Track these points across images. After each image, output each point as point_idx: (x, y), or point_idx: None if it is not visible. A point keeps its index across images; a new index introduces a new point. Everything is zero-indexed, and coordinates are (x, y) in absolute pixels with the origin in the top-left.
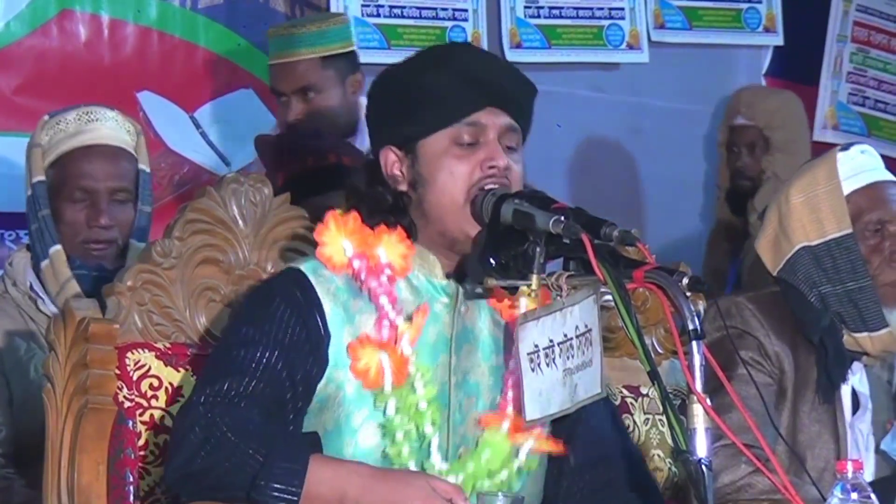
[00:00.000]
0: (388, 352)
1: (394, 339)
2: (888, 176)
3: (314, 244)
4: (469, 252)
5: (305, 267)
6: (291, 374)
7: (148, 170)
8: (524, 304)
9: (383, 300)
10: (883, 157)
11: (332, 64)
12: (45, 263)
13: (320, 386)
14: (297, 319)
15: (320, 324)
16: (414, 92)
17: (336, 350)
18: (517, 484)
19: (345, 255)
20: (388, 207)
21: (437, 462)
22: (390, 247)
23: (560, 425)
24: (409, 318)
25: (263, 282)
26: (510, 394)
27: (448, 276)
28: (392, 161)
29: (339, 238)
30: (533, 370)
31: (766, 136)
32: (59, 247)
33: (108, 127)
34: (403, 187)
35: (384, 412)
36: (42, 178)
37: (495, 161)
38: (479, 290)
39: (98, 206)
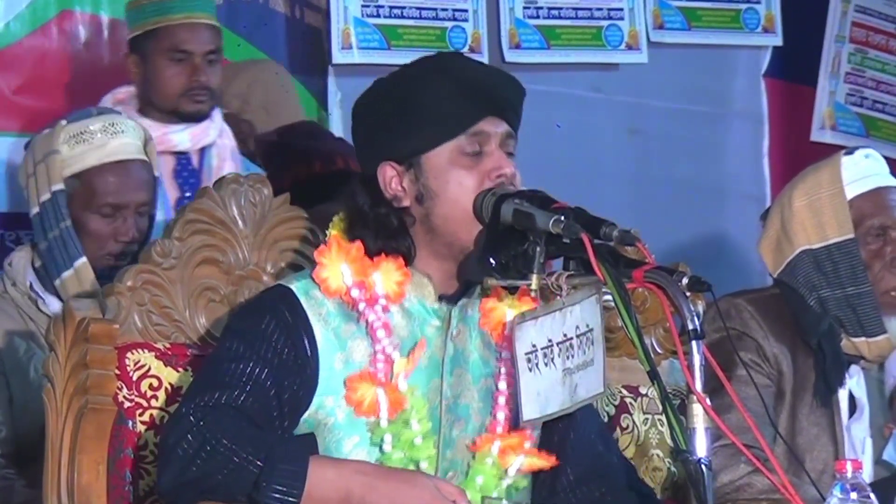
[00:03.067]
0: (384, 388)
1: (389, 374)
2: (892, 181)
3: (314, 245)
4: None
5: (297, 287)
6: (279, 393)
7: (159, 175)
8: (510, 314)
9: (381, 334)
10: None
11: None
12: (67, 274)
13: (309, 411)
14: (286, 339)
15: (308, 346)
16: (412, 106)
17: (326, 376)
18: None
19: (342, 282)
20: (394, 232)
21: None
22: (386, 274)
23: (548, 443)
24: (405, 354)
25: (253, 298)
26: (500, 414)
27: (441, 298)
28: (391, 177)
29: (339, 263)
30: (530, 370)
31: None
32: (84, 259)
33: (130, 137)
34: (406, 203)
35: (380, 447)
36: (62, 186)
37: (503, 170)
38: (478, 293)
39: (126, 221)
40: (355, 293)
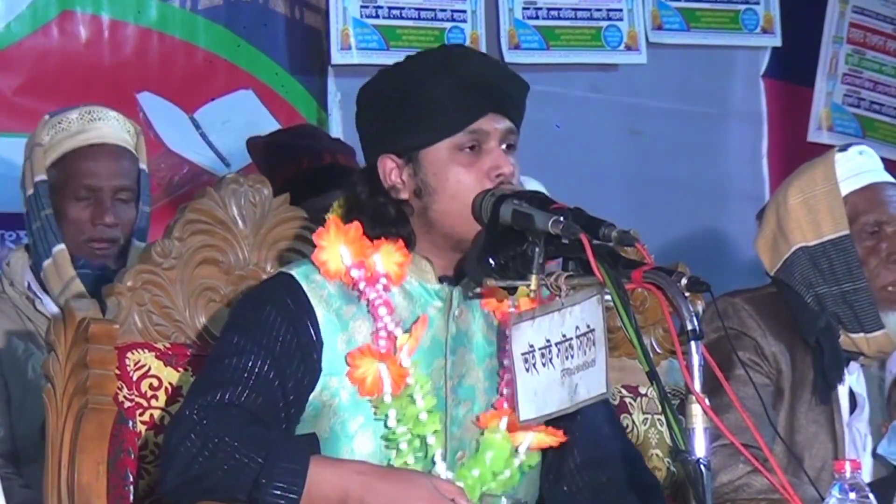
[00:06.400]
0: (386, 363)
1: (392, 350)
2: (886, 177)
3: (313, 245)
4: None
5: (297, 272)
6: (283, 384)
7: (147, 170)
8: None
9: (382, 311)
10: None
11: None
12: (47, 262)
13: (314, 393)
14: (288, 327)
15: (312, 331)
16: (413, 100)
17: (330, 357)
18: (519, 482)
19: (342, 263)
20: (391, 220)
21: (441, 470)
22: (387, 255)
23: (556, 427)
24: (407, 330)
25: (255, 287)
26: (506, 391)
27: (441, 280)
28: (391, 169)
29: (337, 244)
30: (527, 370)
31: None
32: (62, 246)
33: (111, 126)
34: (405, 195)
35: (385, 423)
36: (44, 177)
37: (502, 169)
38: (476, 290)
39: (102, 204)
40: (355, 273)
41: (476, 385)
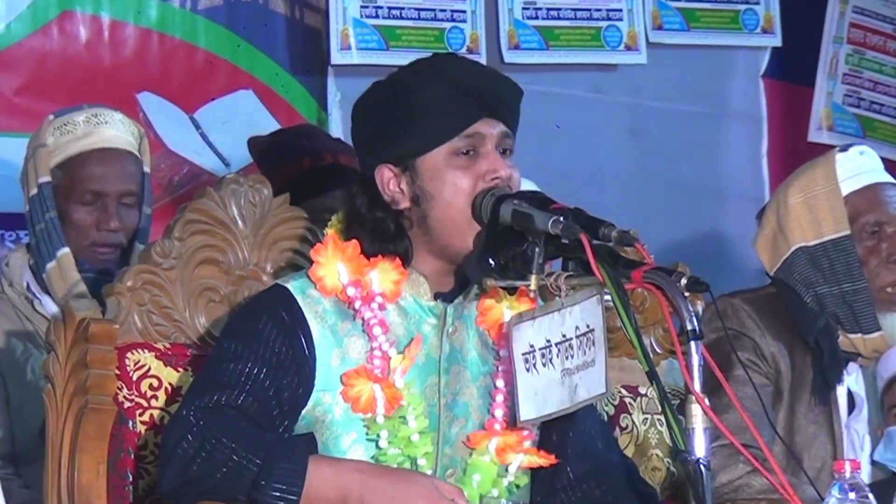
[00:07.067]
0: (381, 384)
1: (386, 370)
2: (887, 178)
3: (314, 245)
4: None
5: (293, 286)
6: (278, 392)
7: (149, 171)
8: (508, 313)
9: (377, 331)
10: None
11: None
12: (51, 265)
13: (307, 408)
14: (283, 339)
15: (305, 345)
16: (408, 109)
17: (323, 372)
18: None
19: (338, 280)
20: (390, 235)
21: None
22: (383, 273)
23: (548, 441)
24: (401, 350)
25: (251, 298)
26: (498, 412)
27: (436, 297)
28: (388, 178)
29: (335, 261)
30: (528, 370)
31: None
32: (66, 249)
33: (116, 129)
34: (404, 204)
35: (377, 443)
36: (48, 178)
37: (498, 172)
38: (475, 293)
39: (108, 209)
40: (351, 291)
41: (470, 402)
